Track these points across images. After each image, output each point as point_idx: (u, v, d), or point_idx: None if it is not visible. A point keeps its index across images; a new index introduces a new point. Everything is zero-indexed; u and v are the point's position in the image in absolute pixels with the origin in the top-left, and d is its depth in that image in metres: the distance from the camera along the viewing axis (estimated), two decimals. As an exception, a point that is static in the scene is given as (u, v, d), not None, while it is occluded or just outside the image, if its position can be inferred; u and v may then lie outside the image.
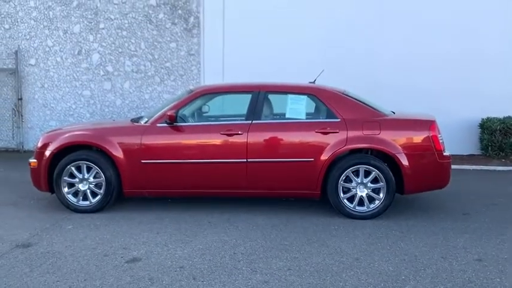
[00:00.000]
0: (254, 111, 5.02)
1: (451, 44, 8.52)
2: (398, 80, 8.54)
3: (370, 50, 8.62)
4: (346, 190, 4.90)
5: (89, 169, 5.01)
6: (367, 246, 4.09)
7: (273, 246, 4.09)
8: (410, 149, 4.85)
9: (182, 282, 3.37)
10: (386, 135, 4.86)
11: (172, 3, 9.10)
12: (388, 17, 8.59)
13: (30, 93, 9.42)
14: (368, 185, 4.86)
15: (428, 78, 8.59)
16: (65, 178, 5.00)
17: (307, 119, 5.09)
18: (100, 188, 5.02)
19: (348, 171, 4.84)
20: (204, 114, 5.60)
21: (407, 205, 5.39)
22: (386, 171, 4.80)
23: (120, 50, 9.23)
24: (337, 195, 4.88)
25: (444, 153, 4.92)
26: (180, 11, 9.10)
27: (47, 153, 5.03)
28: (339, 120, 4.93)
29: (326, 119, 5.02)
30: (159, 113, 5.14)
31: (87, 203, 5.05)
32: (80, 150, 5.06)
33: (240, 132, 4.91)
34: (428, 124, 4.95)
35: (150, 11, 9.14)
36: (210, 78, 8.67)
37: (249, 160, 4.88)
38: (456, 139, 8.05)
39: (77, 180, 5.02)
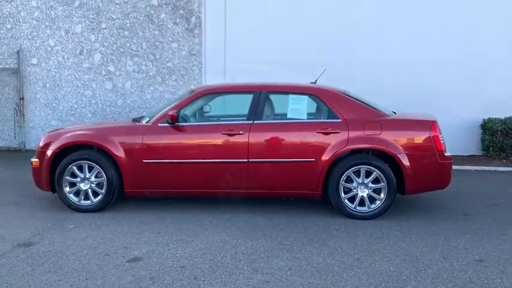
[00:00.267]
0: (255, 111, 5.02)
1: (451, 44, 8.51)
2: (399, 80, 8.54)
3: (371, 51, 8.61)
4: (347, 190, 4.90)
5: (90, 169, 5.02)
6: (368, 247, 4.09)
7: (274, 246, 4.10)
8: (412, 150, 4.85)
9: (183, 282, 3.38)
10: (388, 136, 4.86)
11: (174, 4, 9.11)
12: (389, 18, 8.59)
13: (32, 92, 9.44)
14: (369, 185, 4.86)
15: (429, 78, 8.58)
16: (66, 177, 5.01)
17: (308, 119, 5.09)
18: (101, 188, 5.03)
19: (349, 172, 4.84)
20: (206, 114, 5.61)
21: (409, 205, 5.39)
22: (387, 171, 4.80)
23: (121, 50, 9.24)
24: (338, 195, 4.88)
25: (445, 154, 4.91)
26: (181, 11, 9.11)
27: (49, 152, 5.04)
28: (340, 120, 4.93)
29: (327, 119, 5.02)
30: (161, 113, 5.15)
31: (88, 202, 5.06)
32: (81, 150, 5.08)
33: (241, 132, 4.91)
34: (430, 124, 4.94)
35: (152, 11, 9.15)
36: (212, 78, 8.67)
37: (250, 160, 4.89)
38: (457, 140, 8.05)
39: (78, 179, 5.04)
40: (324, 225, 4.66)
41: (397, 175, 4.84)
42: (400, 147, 4.83)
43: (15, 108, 9.36)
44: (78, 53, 9.29)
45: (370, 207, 4.87)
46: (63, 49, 9.30)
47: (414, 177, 4.83)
